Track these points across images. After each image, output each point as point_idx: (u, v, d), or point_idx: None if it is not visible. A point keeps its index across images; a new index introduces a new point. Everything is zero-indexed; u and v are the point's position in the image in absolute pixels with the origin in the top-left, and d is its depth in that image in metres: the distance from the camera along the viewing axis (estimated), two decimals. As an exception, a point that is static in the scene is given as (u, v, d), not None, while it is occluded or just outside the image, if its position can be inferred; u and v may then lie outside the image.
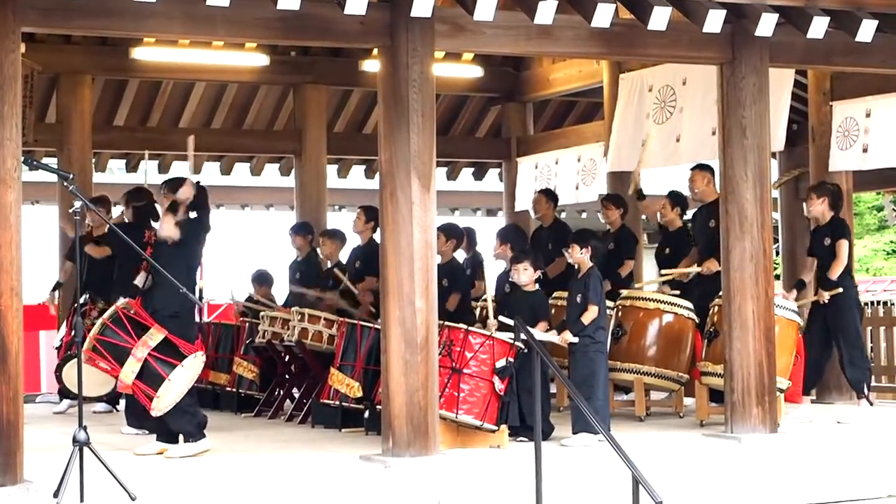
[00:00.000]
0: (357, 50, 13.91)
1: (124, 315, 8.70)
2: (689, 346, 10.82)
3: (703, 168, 11.25)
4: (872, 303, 19.11)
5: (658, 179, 16.41)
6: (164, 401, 8.57)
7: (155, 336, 8.60)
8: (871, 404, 11.20)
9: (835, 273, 10.83)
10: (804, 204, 11.16)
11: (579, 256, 9.52)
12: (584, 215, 21.44)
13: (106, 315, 8.79)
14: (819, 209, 11.00)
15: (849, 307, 10.92)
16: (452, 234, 10.72)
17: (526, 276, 9.52)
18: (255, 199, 21.19)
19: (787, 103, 11.76)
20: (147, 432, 10.06)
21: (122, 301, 8.91)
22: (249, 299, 12.77)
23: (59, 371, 10.95)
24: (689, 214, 11.97)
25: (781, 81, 11.37)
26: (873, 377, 13.42)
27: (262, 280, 12.93)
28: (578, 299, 9.42)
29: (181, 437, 8.83)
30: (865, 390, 11.00)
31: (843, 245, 10.84)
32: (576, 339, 9.27)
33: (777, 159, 13.62)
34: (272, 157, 16.54)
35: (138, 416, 9.74)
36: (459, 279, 10.74)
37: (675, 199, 11.63)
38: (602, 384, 9.37)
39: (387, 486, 7.72)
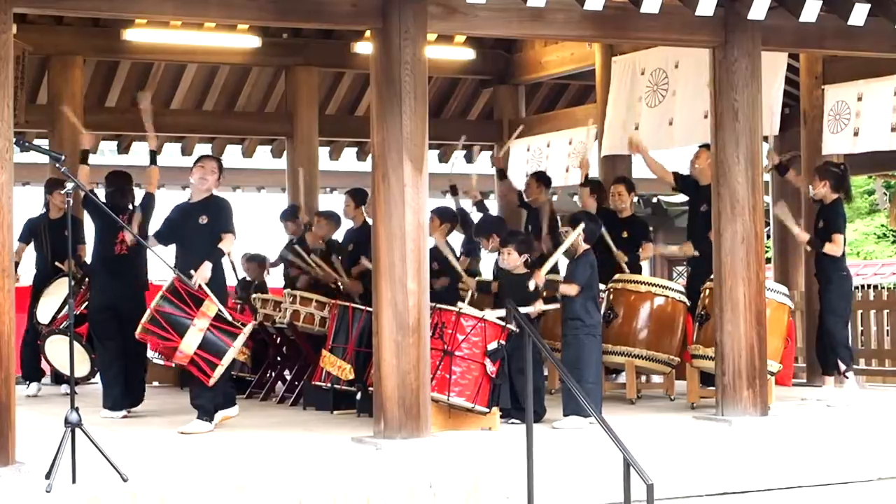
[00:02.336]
0: (349, 32, 13.88)
1: (181, 287, 8.87)
2: (680, 328, 10.85)
3: (710, 148, 11.17)
4: (863, 286, 19.15)
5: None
6: (221, 369, 8.86)
7: (211, 308, 8.86)
8: (845, 381, 11.15)
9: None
10: (810, 186, 11.08)
11: (571, 236, 9.55)
12: (575, 198, 21.43)
13: (165, 287, 8.94)
14: (822, 192, 10.94)
15: (839, 285, 10.92)
16: (446, 218, 10.74)
17: (511, 259, 9.53)
18: (247, 181, 21.14)
19: (780, 88, 11.76)
20: (125, 415, 10.09)
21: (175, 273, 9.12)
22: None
23: (42, 343, 10.93)
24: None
25: (775, 66, 11.38)
26: (863, 361, 13.47)
27: (256, 261, 12.94)
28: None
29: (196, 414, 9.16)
30: (842, 367, 10.93)
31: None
32: (542, 280, 9.29)
33: (768, 142, 13.62)
34: (264, 139, 16.54)
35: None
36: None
37: (631, 184, 11.67)
38: (593, 367, 9.39)
39: (378, 468, 7.73)
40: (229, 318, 8.94)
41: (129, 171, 10.81)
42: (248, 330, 9.03)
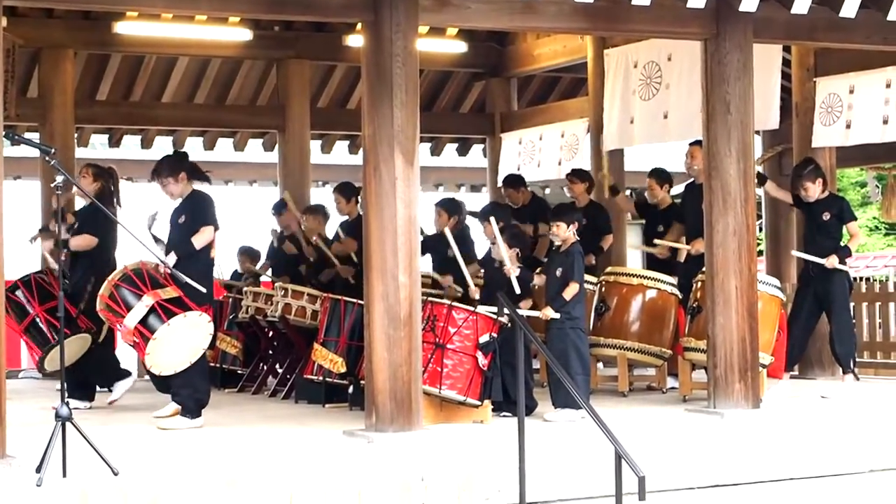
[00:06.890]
0: (340, 25, 13.87)
1: (145, 270, 8.85)
2: (672, 321, 10.85)
3: (702, 144, 11.16)
4: (854, 279, 19.15)
5: (646, 157, 16.42)
6: (157, 353, 8.71)
7: (168, 292, 8.79)
8: (858, 379, 11.25)
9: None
10: (803, 191, 11.08)
11: (562, 232, 9.50)
12: (565, 190, 21.40)
13: (129, 265, 8.93)
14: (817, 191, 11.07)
15: (841, 281, 10.96)
16: (454, 210, 10.78)
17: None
18: (239, 174, 21.11)
19: (777, 82, 11.72)
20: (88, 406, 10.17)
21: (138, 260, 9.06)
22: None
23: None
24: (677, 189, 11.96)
25: (770, 60, 11.36)
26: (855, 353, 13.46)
27: (249, 255, 12.92)
28: (558, 273, 9.43)
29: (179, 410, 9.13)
30: (851, 365, 11.03)
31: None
32: (557, 315, 9.28)
33: (760, 135, 13.61)
34: (255, 132, 16.50)
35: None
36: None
37: (662, 176, 11.61)
38: (577, 359, 9.33)
39: (370, 461, 7.72)
40: (186, 306, 8.84)
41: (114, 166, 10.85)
42: (191, 315, 8.80)
